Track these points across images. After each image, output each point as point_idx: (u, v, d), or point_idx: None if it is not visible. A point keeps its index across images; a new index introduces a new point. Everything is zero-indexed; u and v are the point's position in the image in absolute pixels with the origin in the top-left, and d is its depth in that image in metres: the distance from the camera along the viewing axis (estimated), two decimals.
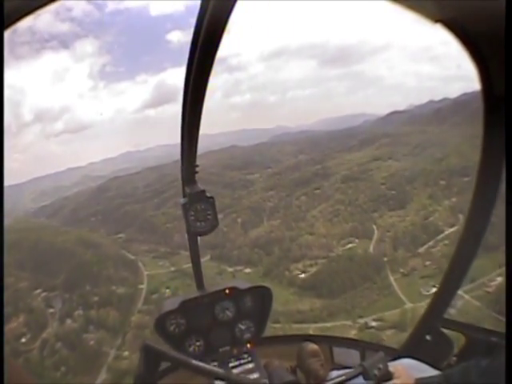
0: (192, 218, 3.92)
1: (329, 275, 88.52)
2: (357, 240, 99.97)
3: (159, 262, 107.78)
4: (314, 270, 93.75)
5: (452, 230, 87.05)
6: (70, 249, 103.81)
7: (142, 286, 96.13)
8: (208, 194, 3.96)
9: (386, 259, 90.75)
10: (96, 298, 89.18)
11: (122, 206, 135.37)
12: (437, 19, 2.81)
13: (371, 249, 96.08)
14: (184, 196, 4.05)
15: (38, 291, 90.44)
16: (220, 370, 2.65)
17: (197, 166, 3.74)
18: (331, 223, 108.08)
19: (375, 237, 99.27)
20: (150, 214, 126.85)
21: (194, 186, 3.96)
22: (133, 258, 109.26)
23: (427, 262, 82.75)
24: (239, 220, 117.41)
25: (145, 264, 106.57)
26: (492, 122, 3.40)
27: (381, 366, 3.05)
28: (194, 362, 2.50)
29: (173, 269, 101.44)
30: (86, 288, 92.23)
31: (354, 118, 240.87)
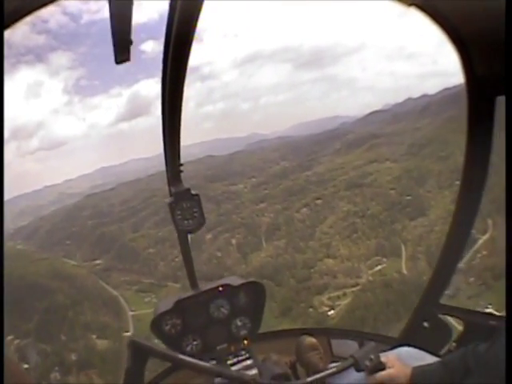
0: (179, 216, 3.52)
1: (366, 309, 61.98)
2: (385, 259, 74.71)
3: (145, 298, 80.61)
4: (344, 303, 68.06)
5: (485, 237, 65.78)
6: (43, 283, 78.71)
7: (127, 334, 69.07)
8: (193, 192, 3.54)
9: (425, 280, 60.43)
10: (74, 357, 64.73)
11: (98, 227, 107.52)
12: (410, 3, 2.44)
13: (404, 269, 71.14)
14: (170, 195, 3.59)
15: (11, 337, 66.68)
16: (206, 364, 2.50)
17: (181, 164, 3.33)
18: (351, 240, 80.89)
19: (404, 254, 74.10)
20: (128, 238, 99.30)
21: (179, 184, 3.54)
22: (114, 293, 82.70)
23: (471, 279, 61.32)
24: (233, 241, 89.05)
25: (128, 301, 79.56)
26: (476, 104, 2.92)
27: (372, 356, 2.67)
28: (181, 356, 2.40)
29: None
30: (62, 339, 68.07)
31: (329, 120, 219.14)
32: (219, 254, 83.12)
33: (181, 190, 3.46)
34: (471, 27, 2.44)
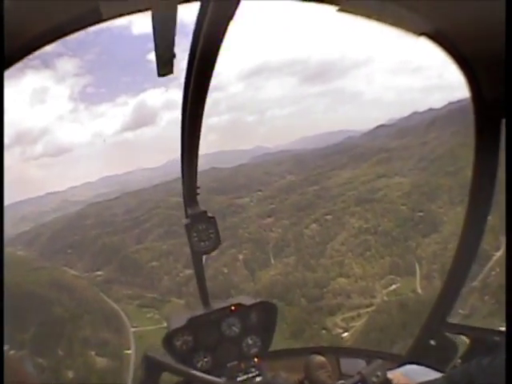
0: (195, 238, 3.63)
1: (381, 331, 57.02)
2: (399, 278, 70.94)
3: (147, 314, 75.84)
4: (358, 324, 63.92)
5: (499, 254, 62.37)
6: (42, 293, 73.70)
7: (128, 352, 65.21)
8: (209, 214, 3.65)
9: None
10: (71, 374, 59.90)
11: (100, 237, 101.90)
12: (420, 32, 2.55)
13: (419, 288, 67.48)
14: (186, 217, 3.71)
15: (6, 348, 53.84)
16: (218, 379, 2.69)
17: (198, 187, 3.59)
18: (364, 258, 76.71)
19: (419, 272, 70.32)
20: (131, 250, 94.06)
21: (195, 207, 3.69)
22: (115, 307, 77.88)
23: (486, 297, 58.22)
24: (240, 257, 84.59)
25: (129, 316, 74.74)
26: (483, 126, 3.08)
27: (379, 373, 2.74)
28: (194, 372, 2.58)
29: (166, 324, 64.53)
30: (59, 354, 62.70)
31: (333, 135, 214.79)
32: (226, 271, 78.88)
33: (197, 212, 3.55)
34: (479, 53, 2.51)
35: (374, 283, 70.90)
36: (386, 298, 67.08)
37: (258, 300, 4.48)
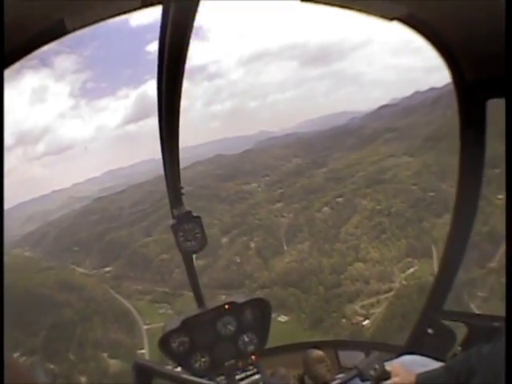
0: (182, 238, 3.58)
1: (403, 318, 53.39)
2: (416, 261, 68.03)
3: (159, 310, 73.86)
4: (379, 311, 61.04)
5: None
6: (50, 295, 72.80)
7: (142, 352, 62.05)
8: (194, 214, 3.59)
9: (460, 282, 54.37)
10: (84, 379, 58.56)
11: (107, 232, 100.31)
12: (392, 17, 2.50)
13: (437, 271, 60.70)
14: (172, 218, 3.66)
15: (17, 355, 58.21)
16: (210, 382, 2.72)
17: (181, 187, 3.49)
18: (380, 242, 73.62)
19: (435, 254, 66.43)
20: (139, 244, 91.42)
21: (180, 207, 3.62)
22: (126, 304, 75.94)
23: (502, 279, 46.41)
24: (252, 245, 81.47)
25: (141, 312, 72.80)
26: (467, 109, 3.07)
27: (376, 366, 2.71)
28: (185, 376, 2.58)
29: None
30: (70, 358, 60.91)
31: (337, 116, 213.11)
32: (238, 260, 75.89)
33: (182, 212, 3.49)
34: (457, 35, 2.49)
35: (392, 267, 68.38)
36: (404, 282, 64.68)
37: (251, 297, 4.21)
